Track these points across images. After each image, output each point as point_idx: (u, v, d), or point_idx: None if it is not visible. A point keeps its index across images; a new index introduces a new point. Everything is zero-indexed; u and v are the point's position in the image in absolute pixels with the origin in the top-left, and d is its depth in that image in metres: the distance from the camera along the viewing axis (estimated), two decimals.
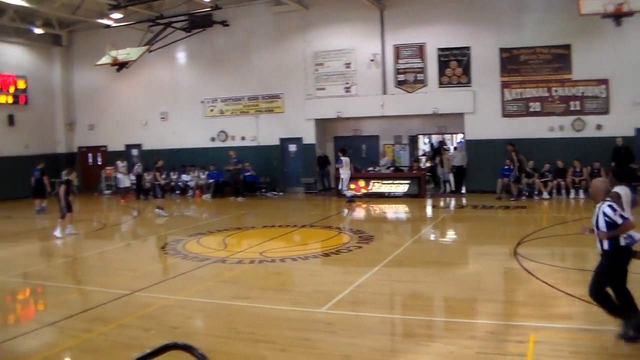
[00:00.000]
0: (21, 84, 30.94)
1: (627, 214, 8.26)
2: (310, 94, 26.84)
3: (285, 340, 8.16)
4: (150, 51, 27.08)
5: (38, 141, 31.82)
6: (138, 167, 27.58)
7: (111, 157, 31.52)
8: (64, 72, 33.21)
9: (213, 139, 29.32)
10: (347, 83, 26.14)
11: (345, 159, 23.68)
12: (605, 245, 7.68)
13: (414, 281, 11.41)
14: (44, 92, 32.40)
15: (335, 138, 27.82)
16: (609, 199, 7.89)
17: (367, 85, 25.69)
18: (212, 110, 29.27)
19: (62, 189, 18.47)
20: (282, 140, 27.79)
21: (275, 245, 15.72)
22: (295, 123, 27.16)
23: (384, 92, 25.41)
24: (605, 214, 7.63)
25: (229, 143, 28.67)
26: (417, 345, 7.92)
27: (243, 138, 28.59)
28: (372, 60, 25.43)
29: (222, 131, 29.09)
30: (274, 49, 27.54)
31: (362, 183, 24.81)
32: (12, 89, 30.50)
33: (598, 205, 7.83)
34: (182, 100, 29.76)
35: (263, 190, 27.27)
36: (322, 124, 27.36)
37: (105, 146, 32.74)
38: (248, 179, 27.11)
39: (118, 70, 26.89)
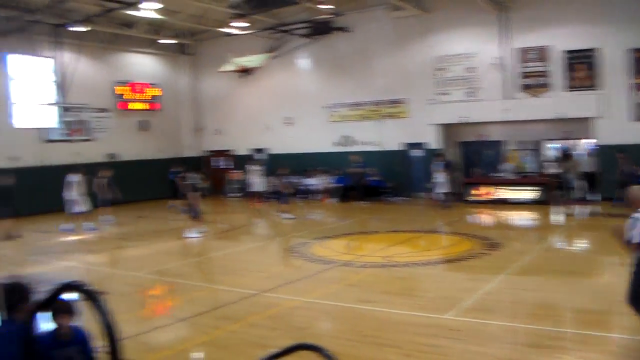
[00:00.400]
0: (154, 91, 32.43)
1: None
2: (433, 99, 26.63)
3: (411, 345, 8.20)
4: (273, 58, 27.67)
5: (169, 145, 33.24)
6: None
7: (237, 161, 32.41)
8: (191, 79, 34.51)
9: (337, 144, 29.60)
10: (469, 88, 25.79)
11: (440, 164, 23.92)
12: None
13: (541, 290, 11.14)
14: (173, 98, 33.81)
15: (459, 143, 27.47)
16: None
17: (489, 89, 25.21)
18: (335, 116, 29.56)
19: (191, 192, 19.22)
20: (406, 145, 27.70)
21: (399, 250, 15.77)
22: (418, 128, 26.99)
23: (507, 96, 24.87)
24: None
25: (352, 148, 28.86)
26: (545, 356, 7.77)
27: (367, 143, 28.71)
28: (494, 64, 24.97)
29: (345, 136, 29.33)
30: (395, 54, 27.51)
31: (486, 189, 24.40)
32: (146, 96, 32.02)
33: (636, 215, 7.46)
34: (306, 106, 30.20)
35: (387, 195, 27.29)
36: (446, 129, 27.06)
37: (231, 150, 33.71)
38: (372, 184, 27.20)
39: (241, 77, 27.65)
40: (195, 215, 19.07)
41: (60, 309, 5.09)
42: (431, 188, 24.33)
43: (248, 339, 8.98)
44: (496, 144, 26.31)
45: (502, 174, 24.84)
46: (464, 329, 8.82)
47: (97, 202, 22.41)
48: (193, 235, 18.88)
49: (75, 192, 20.67)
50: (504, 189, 24.02)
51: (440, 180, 23.68)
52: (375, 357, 7.92)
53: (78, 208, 20.72)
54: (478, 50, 25.34)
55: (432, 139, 26.85)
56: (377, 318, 9.67)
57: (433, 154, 25.51)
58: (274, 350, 8.03)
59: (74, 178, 20.77)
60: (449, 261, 14.38)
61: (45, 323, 5.02)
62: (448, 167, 24.21)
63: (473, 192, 24.50)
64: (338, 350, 7.86)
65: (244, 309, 10.64)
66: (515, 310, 10.25)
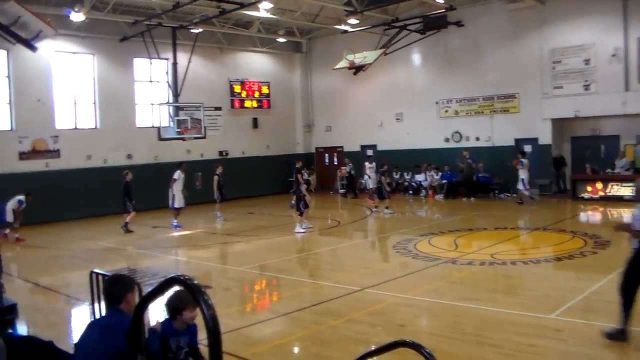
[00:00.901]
0: (265, 90, 33.05)
1: None
2: (546, 93, 25.94)
3: (512, 344, 8.08)
4: (386, 54, 27.70)
5: (279, 142, 33.84)
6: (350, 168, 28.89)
7: (348, 157, 32.68)
8: (303, 77, 35.01)
9: (447, 140, 29.33)
10: (586, 80, 24.93)
11: (525, 161, 23.79)
12: (636, 244, 8.01)
13: None
14: (284, 96, 34.38)
15: (572, 138, 26.67)
16: None
17: (607, 82, 24.29)
18: (446, 111, 29.29)
19: (304, 188, 19.54)
20: (517, 140, 27.11)
21: (506, 247, 15.51)
22: (530, 123, 26.39)
23: (626, 88, 23.93)
24: None
25: (463, 144, 28.52)
26: None
27: (477, 139, 28.31)
28: (614, 56, 24.05)
29: (456, 132, 29.01)
30: (509, 47, 26.97)
31: (599, 185, 23.59)
32: (257, 95, 32.67)
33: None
34: (417, 101, 30.05)
35: (496, 192, 26.85)
36: (559, 124, 26.32)
37: (341, 147, 33.95)
38: (481, 180, 26.85)
39: (355, 73, 27.82)
40: (301, 211, 19.39)
41: (190, 302, 5.43)
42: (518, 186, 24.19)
43: (348, 334, 9.08)
44: (611, 139, 25.34)
45: (617, 170, 23.91)
46: (568, 330, 8.61)
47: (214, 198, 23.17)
48: (300, 231, 19.19)
49: (177, 188, 21.47)
50: (619, 185, 23.13)
51: (523, 177, 23.70)
52: (475, 355, 7.86)
53: (178, 204, 21.46)
54: (596, 41, 24.48)
55: (545, 134, 26.21)
56: (479, 316, 9.57)
57: (518, 152, 25.21)
58: (369, 347, 8.16)
59: (177, 175, 21.53)
60: (556, 259, 14.02)
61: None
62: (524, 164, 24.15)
63: (586, 188, 23.72)
64: (437, 348, 7.88)
65: (346, 304, 10.75)
66: None
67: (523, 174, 23.82)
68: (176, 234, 20.57)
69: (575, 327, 8.75)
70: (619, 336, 7.90)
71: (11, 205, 20.01)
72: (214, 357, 2.32)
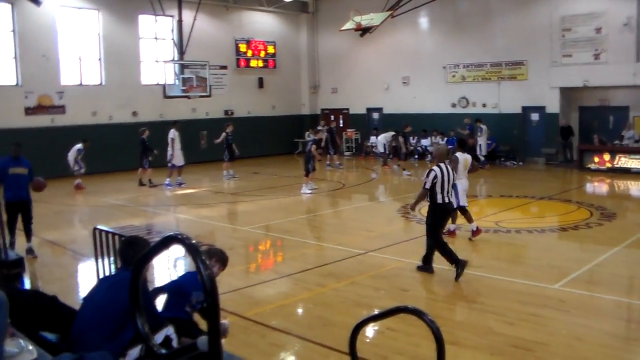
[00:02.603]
0: (270, 49, 32.80)
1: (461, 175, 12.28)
2: (555, 61, 25.70)
3: (514, 313, 8.09)
4: (393, 16, 27.36)
5: (284, 103, 33.68)
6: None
7: (352, 120, 32.54)
8: (309, 37, 34.65)
9: (454, 105, 29.13)
10: (596, 50, 24.65)
11: (484, 127, 25.42)
12: None
13: None
14: (290, 57, 34.09)
15: (580, 108, 26.47)
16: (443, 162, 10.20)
17: (618, 52, 23.98)
18: (453, 76, 29.07)
19: (313, 149, 19.47)
20: (524, 108, 26.95)
21: (511, 215, 15.49)
22: (538, 91, 26.18)
23: (637, 59, 23.63)
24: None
25: (469, 110, 28.34)
26: None
27: (484, 105, 28.10)
28: (626, 25, 23.74)
29: (463, 97, 28.82)
30: (518, 13, 26.62)
31: (607, 156, 23.47)
32: (262, 54, 32.44)
33: None
34: (424, 66, 29.82)
35: (502, 159, 26.76)
36: (567, 93, 26.11)
37: (347, 109, 33.78)
38: (487, 147, 26.74)
39: (362, 35, 27.55)
40: (308, 172, 19.38)
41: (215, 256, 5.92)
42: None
43: (350, 297, 9.11)
44: (620, 110, 25.16)
45: (625, 142, 23.76)
46: (571, 301, 8.63)
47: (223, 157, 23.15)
48: (306, 192, 19.20)
49: (176, 146, 21.42)
50: (627, 157, 23.01)
51: (481, 143, 25.10)
52: (477, 323, 7.87)
53: (178, 162, 21.47)
54: (608, 9, 24.13)
55: (552, 103, 26.03)
56: (483, 284, 9.59)
57: (475, 120, 26.07)
58: (372, 311, 8.17)
59: (172, 134, 21.43)
60: (561, 230, 14.03)
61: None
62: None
63: (593, 159, 23.62)
64: (439, 314, 7.91)
65: (350, 267, 10.78)
66: (628, 285, 9.93)
67: (481, 140, 24.56)
68: (180, 192, 20.59)
69: (578, 299, 8.76)
70: None
71: (72, 155, 21.06)
72: (211, 317, 2.30)
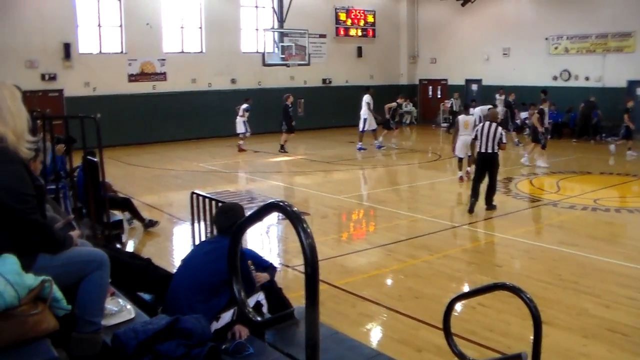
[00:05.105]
0: (370, 18, 32.56)
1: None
2: None
3: (610, 295, 7.86)
4: None
5: (382, 72, 33.39)
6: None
7: (451, 91, 32.04)
8: (409, 7, 34.12)
9: (555, 78, 28.26)
10: None
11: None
12: None
13: None
14: (390, 25, 33.72)
15: None
16: None
17: None
18: (556, 48, 28.16)
19: (535, 118, 19.14)
20: (630, 82, 25.86)
21: (611, 193, 14.99)
22: None
23: None
24: None
25: (572, 83, 27.46)
26: None
27: (587, 78, 27.14)
28: None
29: (565, 70, 27.91)
30: None
31: None
32: (362, 23, 32.26)
33: None
34: (525, 37, 28.95)
35: (604, 135, 25.86)
36: None
37: (445, 79, 33.29)
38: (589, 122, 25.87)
39: (463, 4, 27.05)
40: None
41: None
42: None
43: (443, 270, 9.07)
44: None
45: None
46: None
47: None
48: (542, 165, 18.81)
49: (241, 118, 22.33)
50: None
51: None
52: (573, 303, 7.69)
53: (371, 126, 22.74)
54: None
55: None
56: (579, 263, 9.36)
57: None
58: (464, 285, 8.14)
59: (367, 98, 22.77)
60: None
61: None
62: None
63: None
64: (533, 292, 7.69)
65: (443, 240, 10.74)
66: None
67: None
68: (277, 159, 20.92)
69: None
70: None
71: (241, 117, 22.31)
72: (310, 287, 2.32)
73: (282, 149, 21.89)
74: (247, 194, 14.92)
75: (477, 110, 25.43)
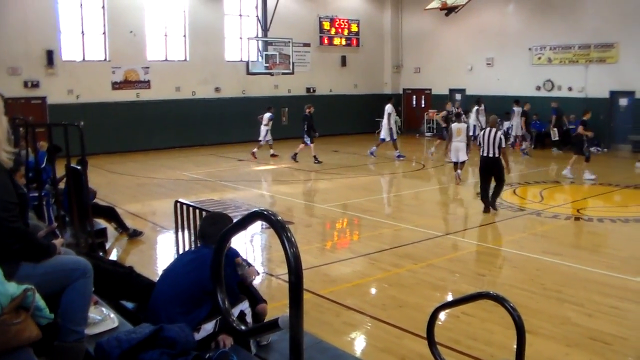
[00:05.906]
0: (354, 28, 32.68)
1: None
2: None
3: (593, 304, 7.90)
4: None
5: (366, 82, 33.52)
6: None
7: (435, 100, 32.14)
8: (394, 16, 34.26)
9: (538, 88, 28.44)
10: None
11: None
12: None
13: None
14: (374, 35, 33.82)
15: None
16: None
17: None
18: (539, 58, 28.35)
19: (581, 129, 19.30)
20: (612, 93, 26.05)
21: (593, 203, 15.10)
22: (629, 75, 25.18)
23: None
24: None
25: (554, 93, 27.62)
26: None
27: (570, 89, 27.32)
28: None
29: (548, 80, 28.10)
30: None
31: None
32: (345, 32, 32.37)
33: None
34: (509, 47, 29.13)
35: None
36: None
37: (429, 89, 33.42)
38: (571, 132, 25.99)
39: (447, 14, 27.18)
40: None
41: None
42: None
43: (426, 279, 9.09)
44: None
45: None
46: None
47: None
48: (589, 177, 18.67)
49: (390, 121, 22.69)
50: None
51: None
52: (555, 312, 7.72)
53: (388, 135, 22.65)
54: None
55: None
56: (562, 272, 9.40)
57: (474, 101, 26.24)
58: (448, 294, 8.16)
59: (389, 109, 22.68)
60: None
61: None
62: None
63: None
64: (516, 301, 7.67)
65: (426, 249, 10.75)
66: None
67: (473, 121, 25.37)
68: (260, 168, 20.89)
69: None
70: None
71: (266, 125, 22.56)
72: (295, 295, 2.33)
73: (317, 160, 21.54)
74: (231, 202, 14.88)
75: (472, 119, 25.55)
